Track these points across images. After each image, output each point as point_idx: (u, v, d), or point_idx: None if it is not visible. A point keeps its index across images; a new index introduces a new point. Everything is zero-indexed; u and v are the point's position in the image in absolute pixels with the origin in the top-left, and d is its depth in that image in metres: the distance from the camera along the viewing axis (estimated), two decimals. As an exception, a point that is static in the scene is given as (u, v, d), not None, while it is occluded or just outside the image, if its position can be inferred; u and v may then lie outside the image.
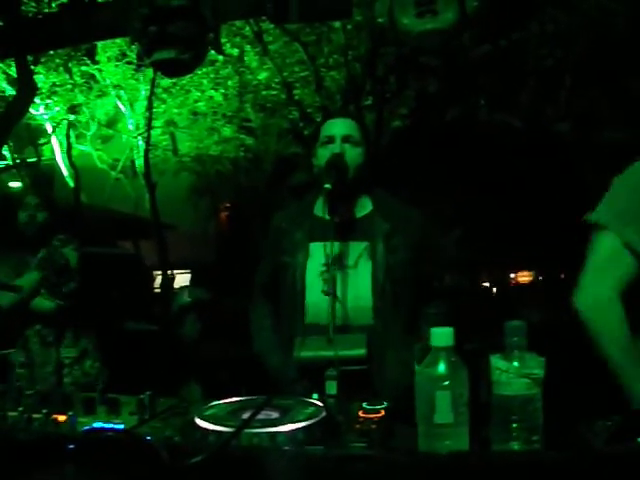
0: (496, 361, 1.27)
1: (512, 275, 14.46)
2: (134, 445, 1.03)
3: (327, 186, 2.03)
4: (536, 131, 10.78)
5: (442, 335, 1.26)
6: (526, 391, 1.24)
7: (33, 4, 8.57)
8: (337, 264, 2.06)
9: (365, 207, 2.23)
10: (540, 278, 13.83)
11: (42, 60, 9.47)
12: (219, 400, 1.47)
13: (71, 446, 1.04)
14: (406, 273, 2.13)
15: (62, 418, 1.39)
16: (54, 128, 11.23)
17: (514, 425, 1.23)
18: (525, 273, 14.27)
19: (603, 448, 1.24)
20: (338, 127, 2.22)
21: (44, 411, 1.41)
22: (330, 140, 2.20)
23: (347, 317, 2.06)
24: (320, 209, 2.19)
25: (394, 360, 2.06)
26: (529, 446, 1.21)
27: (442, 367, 1.23)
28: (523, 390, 1.24)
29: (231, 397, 1.49)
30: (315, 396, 1.52)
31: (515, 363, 1.25)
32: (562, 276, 12.53)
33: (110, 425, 1.37)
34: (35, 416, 1.40)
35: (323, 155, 2.19)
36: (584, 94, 10.24)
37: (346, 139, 2.19)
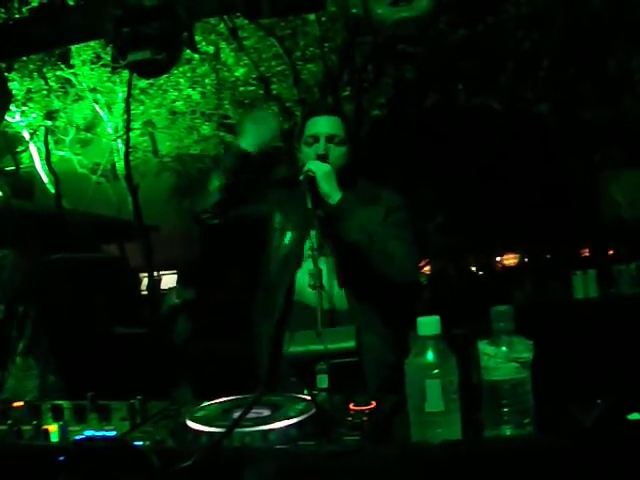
0: (484, 347, 1.27)
1: (498, 258, 14.51)
2: (125, 453, 1.02)
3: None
4: (516, 113, 10.82)
5: (429, 324, 1.26)
6: (515, 375, 1.24)
7: (3, 10, 8.49)
8: (320, 253, 2.08)
9: None
10: (526, 260, 13.89)
11: (16, 67, 9.37)
12: (211, 400, 1.47)
13: (62, 458, 1.03)
14: (361, 250, 2.06)
15: (53, 428, 1.39)
16: (32, 135, 11.11)
17: (505, 409, 1.24)
18: (511, 255, 14.32)
19: (593, 428, 1.24)
20: (322, 126, 2.21)
21: (34, 422, 1.40)
22: (315, 139, 2.19)
23: (333, 303, 2.10)
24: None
25: (372, 340, 2.07)
26: (521, 429, 1.22)
27: (430, 356, 1.23)
28: (512, 374, 1.24)
29: (224, 396, 1.48)
30: (305, 391, 1.52)
31: (503, 348, 1.25)
32: (548, 256, 12.60)
33: (101, 433, 1.36)
34: (25, 428, 1.39)
35: (308, 154, 2.19)
36: (562, 75, 10.29)
37: (330, 139, 2.19)
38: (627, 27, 9.35)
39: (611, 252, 9.15)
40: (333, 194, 2.06)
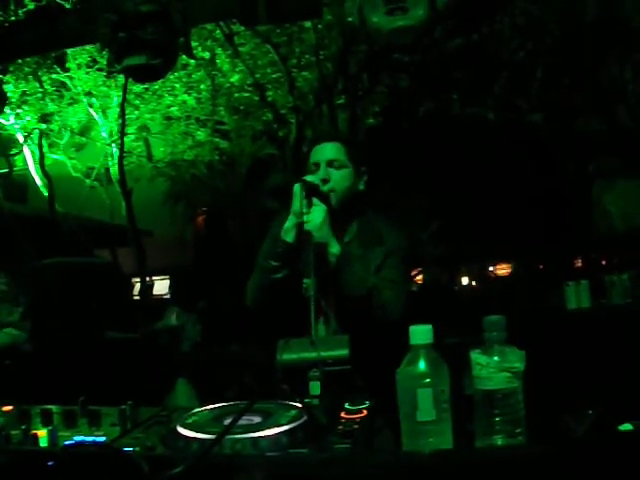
0: (476, 356, 1.27)
1: (491, 268, 14.53)
2: (114, 459, 1.01)
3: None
4: (510, 123, 10.86)
5: (421, 333, 1.26)
6: (507, 385, 1.24)
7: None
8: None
9: (352, 231, 2.27)
10: (519, 270, 13.91)
11: (11, 69, 9.34)
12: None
13: (51, 463, 1.03)
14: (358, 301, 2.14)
15: (42, 433, 1.37)
16: (26, 138, 11.07)
17: (497, 419, 1.24)
18: (504, 265, 14.34)
19: (585, 438, 1.25)
20: (323, 152, 2.26)
21: (22, 427, 1.39)
22: (317, 166, 2.24)
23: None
24: None
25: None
26: (513, 439, 1.22)
27: (422, 365, 1.23)
28: (504, 384, 1.24)
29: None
30: (297, 399, 1.52)
31: (495, 357, 1.25)
32: (541, 266, 12.63)
33: (91, 438, 1.36)
34: (13, 432, 1.38)
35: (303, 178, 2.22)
36: (556, 84, 10.35)
37: (330, 163, 2.22)
38: (620, 38, 9.41)
39: (603, 262, 9.18)
40: (330, 242, 2.12)
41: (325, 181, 2.19)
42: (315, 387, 1.65)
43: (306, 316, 1.96)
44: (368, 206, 2.34)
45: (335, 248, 2.12)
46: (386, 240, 2.25)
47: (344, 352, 1.83)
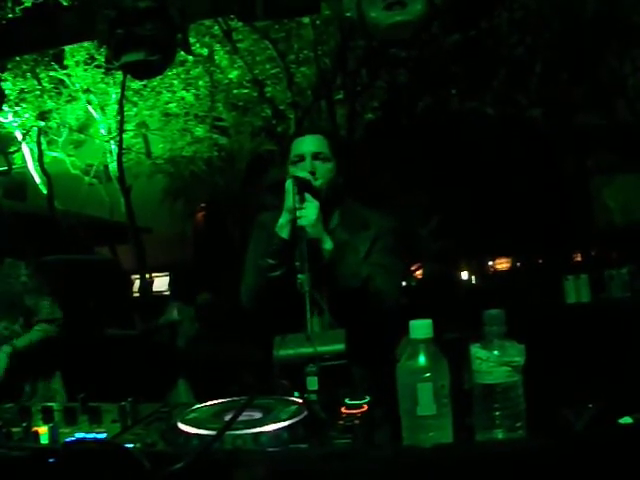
0: (476, 350, 1.27)
1: (490, 263, 14.53)
2: (115, 455, 1.02)
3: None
4: (509, 118, 10.86)
5: (421, 327, 1.26)
6: (507, 379, 1.24)
7: (-3, 10, 8.45)
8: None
9: (335, 218, 2.27)
10: (518, 264, 13.92)
11: (9, 66, 9.33)
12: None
13: (52, 459, 1.03)
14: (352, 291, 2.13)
15: (43, 430, 1.38)
16: (24, 135, 11.07)
17: (497, 413, 1.24)
18: (503, 260, 14.33)
19: (585, 431, 1.25)
20: (307, 145, 2.24)
21: (24, 424, 1.39)
22: (301, 159, 2.23)
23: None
24: None
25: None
26: (513, 433, 1.22)
27: (422, 359, 1.23)
28: (504, 378, 1.24)
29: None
30: (296, 394, 1.52)
31: (495, 352, 1.25)
32: (540, 261, 12.63)
33: (92, 435, 1.36)
34: (14, 430, 1.38)
35: (295, 173, 2.21)
36: (555, 79, 10.35)
37: (316, 156, 2.22)
38: (619, 33, 9.41)
39: (603, 257, 9.17)
40: (323, 238, 2.12)
41: (312, 173, 2.18)
42: (312, 382, 1.65)
43: (301, 312, 1.97)
44: (347, 195, 2.33)
45: (328, 244, 2.13)
46: (372, 224, 2.25)
47: (340, 347, 1.84)
